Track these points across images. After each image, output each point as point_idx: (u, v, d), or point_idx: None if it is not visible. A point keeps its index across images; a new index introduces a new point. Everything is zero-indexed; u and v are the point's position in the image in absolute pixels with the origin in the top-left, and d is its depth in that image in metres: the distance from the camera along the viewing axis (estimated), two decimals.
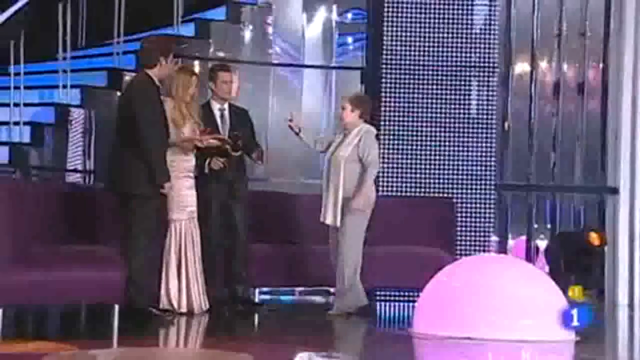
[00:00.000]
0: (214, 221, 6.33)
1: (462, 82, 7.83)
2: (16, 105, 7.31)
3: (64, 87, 7.58)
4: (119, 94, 7.45)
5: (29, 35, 7.37)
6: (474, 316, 5.43)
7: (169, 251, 6.13)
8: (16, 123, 7.30)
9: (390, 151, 7.80)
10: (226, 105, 6.57)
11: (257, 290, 7.07)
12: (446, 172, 7.79)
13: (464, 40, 7.83)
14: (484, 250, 7.76)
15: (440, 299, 5.63)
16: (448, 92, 7.82)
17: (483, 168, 7.83)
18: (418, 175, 7.78)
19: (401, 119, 7.82)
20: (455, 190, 7.74)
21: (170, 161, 6.00)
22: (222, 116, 6.54)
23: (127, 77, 7.46)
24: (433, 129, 7.80)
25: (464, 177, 7.79)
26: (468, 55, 7.83)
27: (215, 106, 6.54)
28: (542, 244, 8.56)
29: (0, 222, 5.27)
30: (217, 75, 6.54)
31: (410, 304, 6.74)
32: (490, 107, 7.88)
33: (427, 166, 7.80)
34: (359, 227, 6.31)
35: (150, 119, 5.82)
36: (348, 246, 6.28)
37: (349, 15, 8.98)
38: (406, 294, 7.38)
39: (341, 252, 6.30)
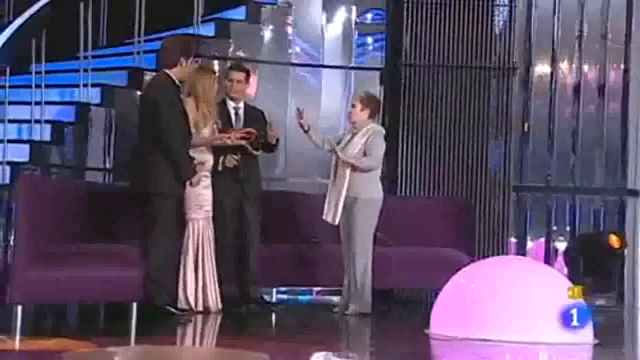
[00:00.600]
0: (227, 220, 6.35)
1: (482, 84, 7.81)
2: (37, 103, 7.36)
3: (85, 86, 7.62)
4: (139, 93, 7.48)
5: (50, 34, 7.41)
6: (492, 318, 5.41)
7: (187, 251, 6.15)
8: (37, 121, 7.34)
9: (409, 152, 7.79)
10: (241, 105, 6.59)
11: (274, 290, 7.09)
12: (465, 173, 7.77)
13: (483, 41, 7.80)
14: (502, 252, 7.73)
15: (457, 300, 5.62)
16: (467, 93, 7.80)
17: (502, 170, 7.80)
18: (436, 176, 7.77)
19: (420, 119, 7.81)
20: (473, 192, 7.72)
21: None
22: (236, 115, 6.55)
23: (148, 77, 7.49)
24: (452, 130, 7.78)
25: (483, 178, 7.77)
26: (488, 56, 7.81)
27: (230, 105, 6.56)
28: (561, 246, 8.51)
29: (21, 220, 5.32)
30: (228, 74, 6.57)
31: (428, 305, 6.72)
32: (509, 109, 7.85)
33: (446, 167, 7.78)
34: (367, 228, 6.32)
35: (171, 118, 5.85)
36: (357, 246, 6.29)
37: (369, 16, 8.97)
38: (424, 294, 7.36)
39: (351, 253, 6.31)
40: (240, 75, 6.56)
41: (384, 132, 6.55)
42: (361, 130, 6.42)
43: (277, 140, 6.56)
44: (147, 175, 5.85)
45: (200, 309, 6.13)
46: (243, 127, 6.49)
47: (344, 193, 6.28)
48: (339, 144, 6.47)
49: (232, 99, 6.55)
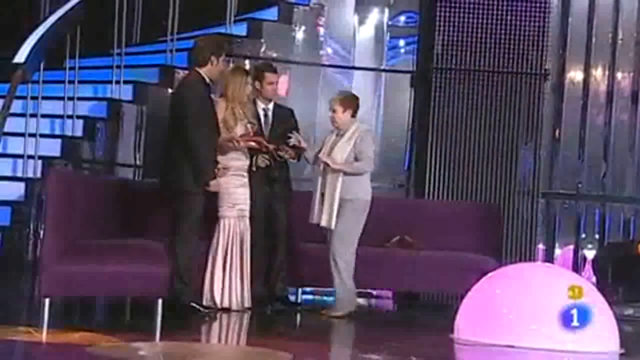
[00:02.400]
0: (257, 220, 6.36)
1: (513, 89, 7.78)
2: (70, 99, 7.42)
3: (117, 82, 7.68)
4: (170, 90, 7.52)
5: (84, 30, 7.47)
6: (516, 324, 5.39)
7: (216, 248, 6.18)
8: (69, 117, 7.40)
9: (438, 155, 7.77)
10: (270, 105, 6.61)
11: (299, 290, 7.10)
12: (493, 178, 7.74)
13: (516, 46, 7.77)
14: (530, 258, 7.69)
15: (482, 305, 5.60)
16: (498, 98, 7.77)
17: (531, 175, 7.76)
18: (465, 180, 7.74)
19: (449, 123, 7.79)
20: (502, 197, 7.69)
21: (220, 159, 6.07)
22: (265, 115, 6.58)
23: (179, 75, 7.53)
24: (481, 134, 7.76)
25: (512, 183, 7.73)
26: (519, 61, 7.77)
27: (260, 105, 6.58)
28: (589, 253, 8.45)
29: (50, 213, 5.37)
30: (265, 76, 6.56)
31: (454, 309, 6.71)
32: (540, 115, 7.81)
33: (475, 171, 7.75)
34: (354, 229, 6.22)
35: (198, 117, 5.88)
36: (341, 247, 6.21)
37: (402, 18, 8.95)
38: (450, 298, 7.34)
39: (335, 254, 6.21)
40: (275, 77, 6.57)
41: (370, 129, 6.47)
42: (347, 132, 6.32)
43: (299, 156, 6.50)
44: (175, 172, 5.89)
45: (226, 305, 6.16)
46: (271, 127, 6.50)
47: (337, 196, 6.19)
48: (320, 150, 6.31)
49: (266, 99, 6.56)
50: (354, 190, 6.24)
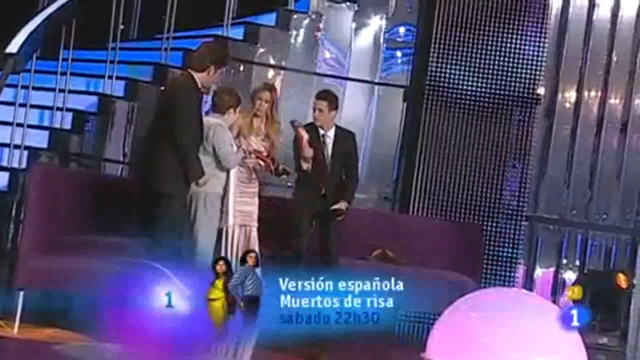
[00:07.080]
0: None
1: (504, 111, 7.79)
2: (61, 91, 7.40)
3: (110, 77, 7.66)
4: (162, 89, 7.50)
5: (82, 22, 7.44)
6: (488, 349, 5.38)
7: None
8: (59, 109, 7.38)
9: (425, 172, 7.78)
10: (330, 132, 6.57)
11: None
12: (479, 198, 7.75)
13: (509, 69, 7.79)
14: (510, 280, 7.70)
15: (456, 327, 5.59)
16: (488, 119, 7.78)
17: (516, 198, 7.78)
18: (450, 198, 7.76)
19: (439, 140, 7.80)
20: (486, 217, 7.70)
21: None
22: (324, 142, 6.56)
23: (172, 74, 7.51)
24: (470, 154, 7.77)
25: (496, 205, 7.75)
26: (512, 85, 7.79)
27: (320, 131, 6.57)
28: (569, 279, 8.46)
29: (31, 206, 5.39)
30: (314, 102, 6.59)
31: (429, 327, 6.71)
32: (529, 138, 7.82)
33: (460, 190, 7.76)
34: (215, 223, 6.21)
35: (186, 118, 5.88)
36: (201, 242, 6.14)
37: (401, 30, 8.96)
38: (426, 317, 7.34)
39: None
40: (322, 104, 6.53)
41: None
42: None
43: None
44: (156, 174, 5.87)
45: None
46: (332, 154, 6.50)
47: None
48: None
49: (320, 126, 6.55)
50: (212, 183, 6.20)
